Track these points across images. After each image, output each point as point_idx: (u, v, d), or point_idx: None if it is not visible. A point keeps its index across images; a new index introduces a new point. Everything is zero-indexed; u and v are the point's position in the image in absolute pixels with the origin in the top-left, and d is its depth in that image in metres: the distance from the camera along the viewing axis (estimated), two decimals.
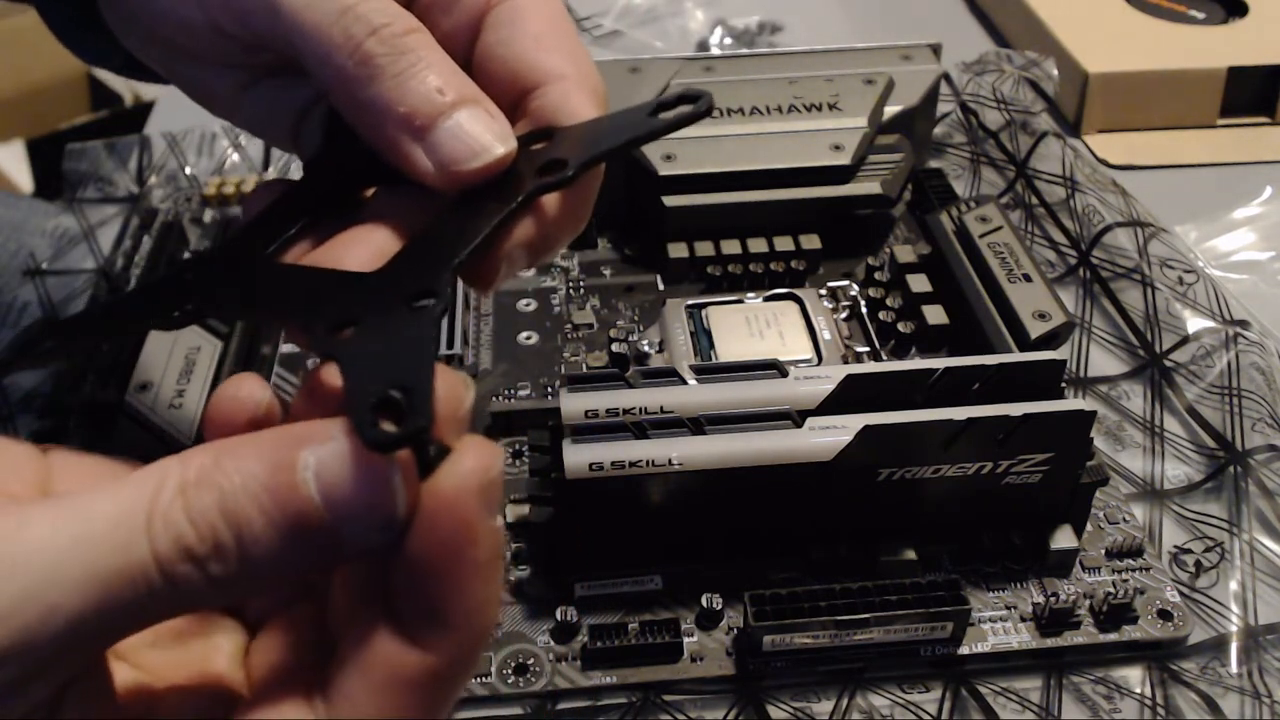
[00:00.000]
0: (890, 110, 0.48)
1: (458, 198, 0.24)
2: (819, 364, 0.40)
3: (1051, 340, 0.38)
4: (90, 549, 0.18)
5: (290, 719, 0.20)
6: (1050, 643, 0.33)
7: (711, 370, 0.34)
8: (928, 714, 0.31)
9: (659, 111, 0.25)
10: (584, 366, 0.42)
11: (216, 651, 0.23)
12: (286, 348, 0.42)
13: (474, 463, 0.19)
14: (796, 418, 0.32)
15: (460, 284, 0.44)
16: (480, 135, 0.24)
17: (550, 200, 0.25)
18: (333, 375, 0.22)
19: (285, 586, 0.23)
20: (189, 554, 0.18)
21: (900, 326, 0.42)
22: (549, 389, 0.41)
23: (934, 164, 0.52)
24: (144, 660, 0.23)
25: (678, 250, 0.45)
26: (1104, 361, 0.43)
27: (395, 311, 0.21)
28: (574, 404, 0.33)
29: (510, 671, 0.32)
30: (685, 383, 0.34)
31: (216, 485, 0.19)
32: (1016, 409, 0.32)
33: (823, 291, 0.44)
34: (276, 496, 0.19)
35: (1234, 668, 0.32)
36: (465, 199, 0.24)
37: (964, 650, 0.32)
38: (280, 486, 0.19)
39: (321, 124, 0.28)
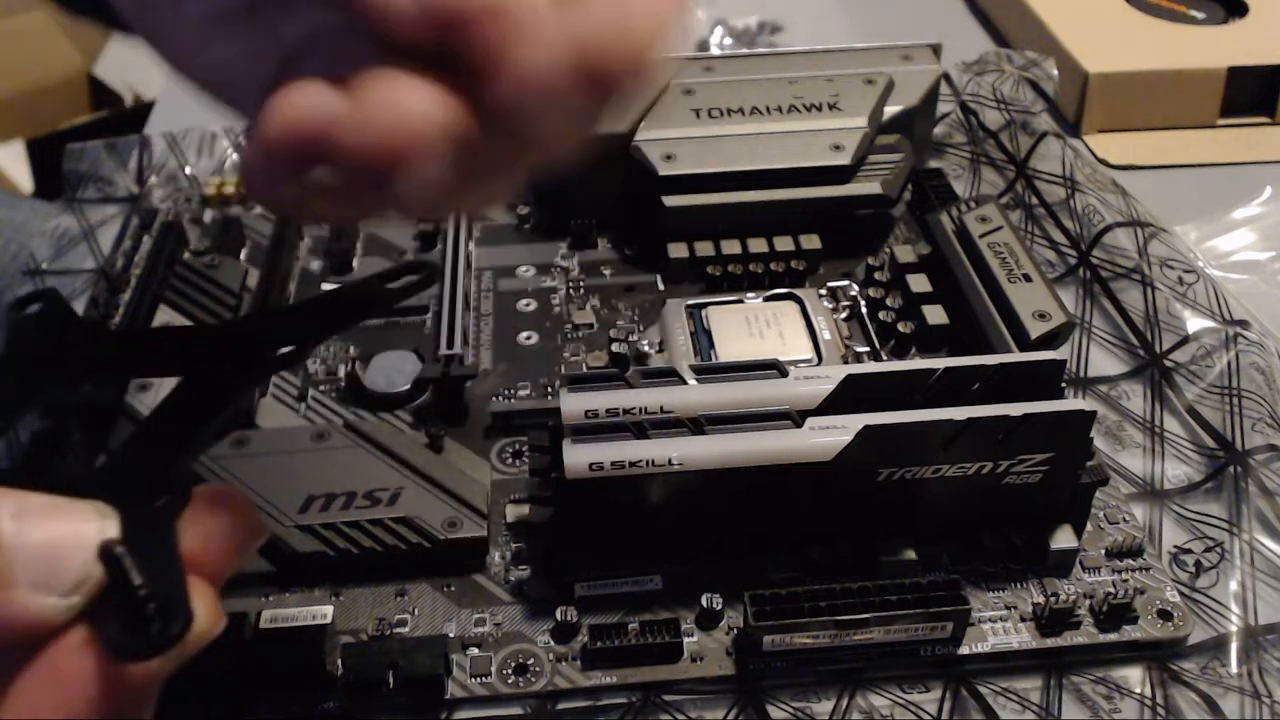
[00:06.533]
0: (890, 110, 0.48)
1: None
2: (819, 364, 0.40)
3: (1051, 340, 0.38)
4: None
5: None
6: (1050, 643, 0.33)
7: (711, 370, 0.34)
8: (928, 714, 0.31)
9: None
10: (584, 366, 0.42)
11: None
12: (285, 348, 0.42)
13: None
14: (796, 418, 0.32)
15: (459, 283, 0.44)
16: None
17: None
18: None
19: None
20: None
21: (900, 326, 0.42)
22: (549, 389, 0.41)
23: (934, 164, 0.52)
24: None
25: (678, 250, 0.45)
26: (1104, 361, 0.43)
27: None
28: (574, 404, 0.33)
29: (510, 671, 0.32)
30: (685, 383, 0.34)
31: None
32: (1016, 409, 0.32)
33: (823, 291, 0.44)
34: None
35: (1234, 668, 0.32)
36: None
37: (964, 650, 0.32)
38: None
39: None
